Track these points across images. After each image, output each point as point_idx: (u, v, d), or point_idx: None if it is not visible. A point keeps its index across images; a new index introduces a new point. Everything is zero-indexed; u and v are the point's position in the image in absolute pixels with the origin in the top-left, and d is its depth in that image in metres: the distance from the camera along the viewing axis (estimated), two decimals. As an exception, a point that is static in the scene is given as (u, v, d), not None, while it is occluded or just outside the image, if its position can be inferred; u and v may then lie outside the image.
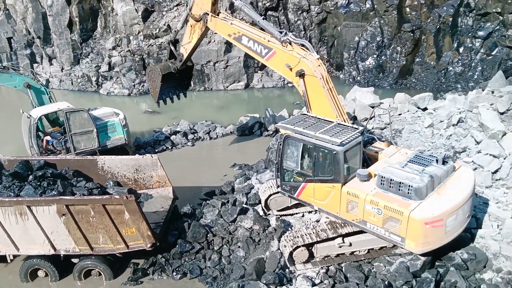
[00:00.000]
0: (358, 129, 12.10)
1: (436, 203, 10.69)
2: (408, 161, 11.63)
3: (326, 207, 12.24)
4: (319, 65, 13.21)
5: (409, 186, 10.70)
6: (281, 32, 13.75)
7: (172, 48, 17.68)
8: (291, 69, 13.36)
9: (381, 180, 11.20)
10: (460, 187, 11.25)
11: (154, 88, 18.42)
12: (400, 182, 10.84)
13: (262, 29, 14.71)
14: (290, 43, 13.53)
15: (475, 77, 29.74)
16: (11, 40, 36.58)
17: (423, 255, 11.29)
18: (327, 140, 11.56)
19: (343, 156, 11.37)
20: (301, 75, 13.19)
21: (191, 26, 16.46)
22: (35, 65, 36.30)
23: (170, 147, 22.89)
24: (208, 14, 15.49)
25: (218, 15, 15.69)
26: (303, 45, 13.58)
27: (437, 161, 11.54)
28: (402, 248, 11.27)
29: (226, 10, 30.51)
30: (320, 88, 13.09)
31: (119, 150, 20.07)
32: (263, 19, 14.73)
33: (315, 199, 12.40)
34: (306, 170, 12.31)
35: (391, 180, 10.99)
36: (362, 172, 11.66)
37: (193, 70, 19.12)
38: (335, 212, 12.07)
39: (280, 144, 12.51)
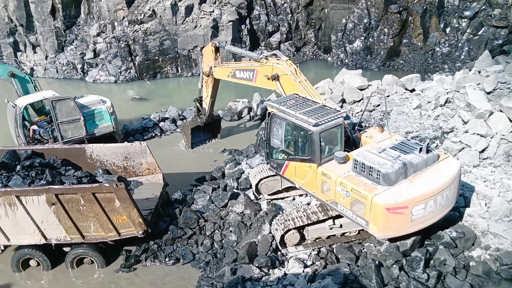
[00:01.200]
0: (339, 111, 12.20)
1: (403, 191, 10.62)
2: (390, 147, 11.60)
3: (305, 186, 12.52)
4: (289, 65, 14.51)
5: (378, 171, 10.72)
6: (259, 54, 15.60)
7: (198, 104, 20.11)
8: (269, 78, 14.79)
9: (355, 164, 11.30)
10: (437, 177, 11.05)
11: (187, 140, 20.78)
12: (370, 167, 10.89)
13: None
14: (266, 58, 15.20)
15: (462, 57, 29.91)
16: (-7, 28, 35.84)
17: (392, 240, 11.46)
18: (304, 120, 11.74)
19: (318, 137, 11.50)
20: (276, 78, 14.59)
21: (205, 82, 18.94)
22: (18, 53, 35.60)
23: (159, 134, 22.76)
24: (212, 67, 17.84)
25: None
26: (275, 55, 15.15)
27: (420, 149, 11.40)
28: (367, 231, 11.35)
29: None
30: (292, 82, 14.21)
31: (108, 138, 19.91)
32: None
33: (296, 177, 12.70)
34: (289, 149, 12.64)
35: (363, 164, 11.06)
36: (339, 155, 11.78)
37: (221, 122, 21.75)
38: (312, 191, 12.33)
39: (267, 122, 12.90)
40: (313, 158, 11.86)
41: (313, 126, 11.48)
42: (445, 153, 13.30)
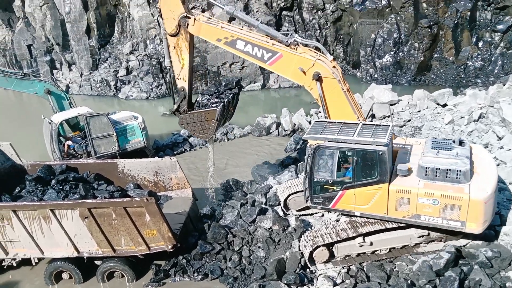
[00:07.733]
0: (388, 126, 11.88)
1: (482, 182, 10.97)
2: (431, 148, 11.71)
3: (371, 210, 11.91)
4: (334, 67, 12.85)
5: (457, 170, 10.86)
6: (286, 35, 13.03)
7: (175, 96, 15.92)
8: (304, 73, 12.85)
9: (425, 171, 11.19)
10: (485, 163, 11.64)
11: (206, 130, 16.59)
12: (447, 169, 10.97)
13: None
14: (298, 45, 13.03)
15: (496, 71, 29.23)
16: (31, 47, 37.39)
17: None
18: (369, 142, 11.24)
19: (388, 155, 11.30)
20: (318, 78, 12.76)
21: (174, 48, 14.30)
22: (55, 71, 36.96)
23: (188, 149, 23.05)
24: (187, 17, 13.49)
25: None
26: (316, 48, 13.18)
27: (454, 142, 11.83)
28: (462, 232, 11.28)
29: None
30: (339, 90, 12.81)
31: (139, 153, 20.27)
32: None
33: (356, 205, 12.01)
34: (344, 178, 11.97)
35: (437, 169, 11.06)
36: (402, 167, 11.47)
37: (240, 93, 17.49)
38: (382, 213, 11.75)
39: (309, 156, 11.93)
40: (383, 178, 11.41)
41: (383, 145, 11.13)
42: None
